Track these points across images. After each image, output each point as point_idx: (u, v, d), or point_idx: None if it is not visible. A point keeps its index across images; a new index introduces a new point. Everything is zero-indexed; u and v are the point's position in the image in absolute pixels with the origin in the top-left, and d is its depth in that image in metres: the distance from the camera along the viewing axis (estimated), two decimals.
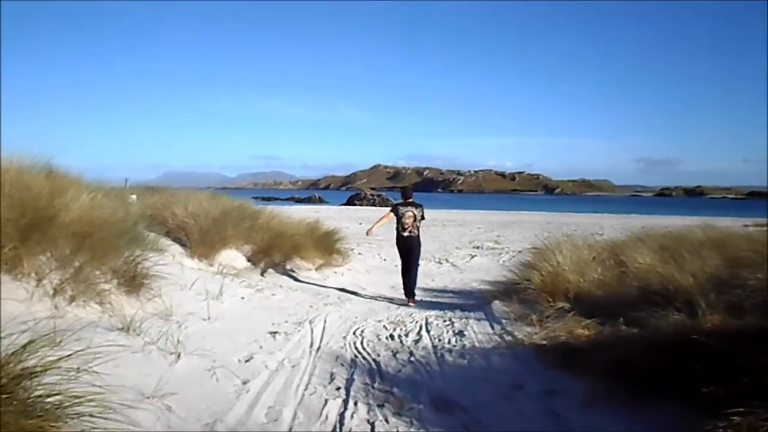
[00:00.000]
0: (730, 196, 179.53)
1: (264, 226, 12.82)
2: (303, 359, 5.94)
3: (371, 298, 10.82)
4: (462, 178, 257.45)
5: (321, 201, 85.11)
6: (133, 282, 6.45)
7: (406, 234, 10.15)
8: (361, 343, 6.79)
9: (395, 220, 10.17)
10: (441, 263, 17.63)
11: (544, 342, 6.52)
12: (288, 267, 12.44)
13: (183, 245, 10.79)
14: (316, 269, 13.00)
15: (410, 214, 10.07)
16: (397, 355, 6.31)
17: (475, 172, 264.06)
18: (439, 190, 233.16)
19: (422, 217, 10.24)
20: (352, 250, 18.62)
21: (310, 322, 7.66)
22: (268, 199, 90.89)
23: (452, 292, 12.41)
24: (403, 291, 10.32)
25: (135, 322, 5.57)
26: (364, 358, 6.17)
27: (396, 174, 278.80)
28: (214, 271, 9.77)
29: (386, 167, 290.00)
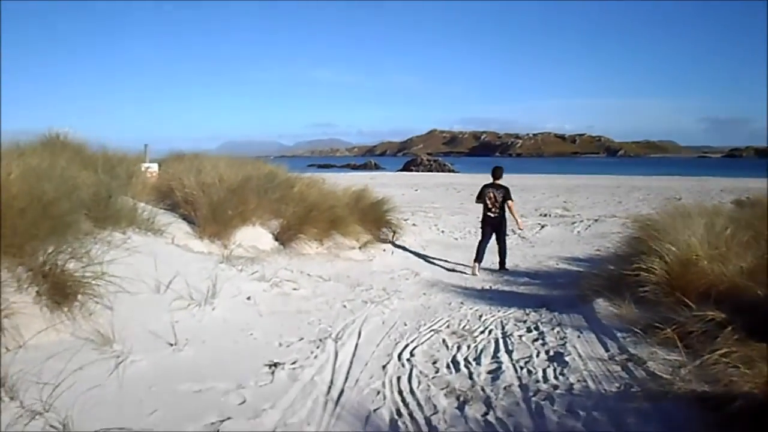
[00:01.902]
0: None
1: (297, 197, 10.46)
2: (310, 426, 3.54)
3: (427, 286, 8.36)
4: (520, 141, 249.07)
5: (377, 167, 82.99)
6: (59, 290, 4.15)
7: (491, 214, 10.29)
8: (409, 379, 4.32)
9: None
10: (507, 235, 14.97)
11: (708, 389, 3.93)
12: (325, 246, 10.07)
13: (192, 223, 8.55)
14: (360, 247, 10.58)
15: (491, 195, 10.23)
16: (466, 409, 3.84)
17: (534, 135, 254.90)
18: (497, 154, 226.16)
19: (505, 198, 10.18)
20: (406, 221, 16.15)
21: (337, 338, 5.22)
22: (325, 166, 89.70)
23: (527, 274, 9.83)
24: (474, 258, 10.05)
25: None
26: (411, 416, 3.72)
27: (453, 139, 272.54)
28: (225, 255, 7.42)
29: (442, 132, 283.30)
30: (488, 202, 10.26)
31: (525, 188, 32.28)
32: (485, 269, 10.20)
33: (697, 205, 8.77)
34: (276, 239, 9.51)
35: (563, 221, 17.53)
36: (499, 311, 6.71)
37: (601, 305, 6.26)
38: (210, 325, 4.99)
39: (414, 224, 15.83)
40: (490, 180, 10.51)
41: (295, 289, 6.79)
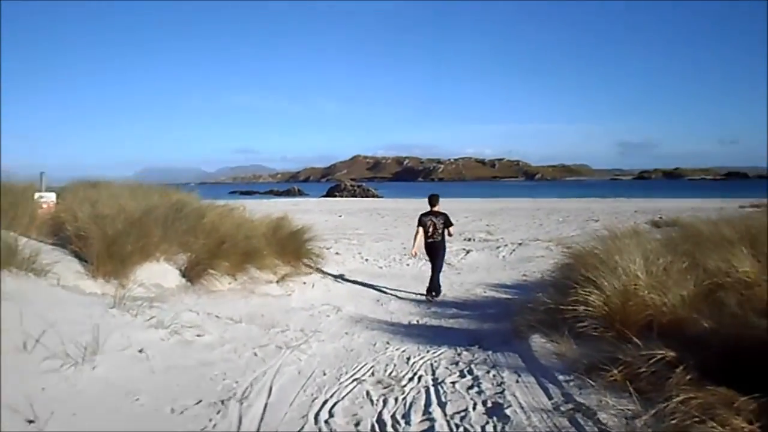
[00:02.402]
0: (708, 177, 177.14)
1: (208, 228, 9.55)
2: None
3: (350, 323, 7.65)
4: (442, 166, 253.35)
5: (301, 193, 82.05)
6: None
7: (429, 240, 10.41)
8: None
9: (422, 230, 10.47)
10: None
11: None
12: (239, 281, 9.20)
13: (85, 261, 7.53)
14: (278, 281, 9.75)
15: (431, 222, 10.41)
16: None
17: (455, 160, 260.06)
18: (420, 179, 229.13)
19: (446, 224, 10.47)
20: (328, 249, 15.41)
21: (243, 398, 4.38)
22: (247, 193, 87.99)
23: (455, 305, 9.30)
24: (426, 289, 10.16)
25: None
26: None
27: (376, 164, 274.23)
28: (118, 298, 6.42)
29: (366, 157, 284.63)
30: (429, 229, 10.39)
31: (448, 212, 32.14)
32: (411, 300, 9.63)
33: (626, 230, 8.53)
34: (183, 275, 8.57)
35: (488, 245, 17.24)
36: (428, 351, 6.07)
37: (538, 342, 5.73)
38: (87, 390, 4.08)
39: (337, 253, 15.12)
40: (429, 211, 10.59)
41: (198, 335, 5.91)
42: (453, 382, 4.98)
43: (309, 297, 9.27)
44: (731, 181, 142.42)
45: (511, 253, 15.85)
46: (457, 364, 5.55)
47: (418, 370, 5.39)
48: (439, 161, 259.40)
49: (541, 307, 6.10)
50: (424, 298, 9.89)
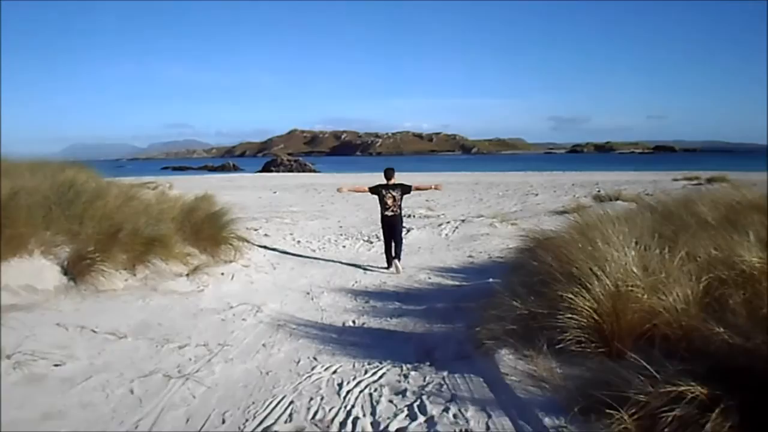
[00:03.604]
0: (637, 150, 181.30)
1: (101, 213, 7.84)
2: None
3: (270, 329, 6.15)
4: (380, 140, 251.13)
5: (236, 168, 79.29)
6: None
7: (389, 213, 10.18)
8: None
9: (378, 200, 10.34)
10: (371, 242, 13.13)
11: None
12: (139, 276, 7.54)
13: None
14: (188, 274, 8.14)
15: (390, 195, 10.17)
16: None
17: (393, 134, 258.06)
18: (358, 153, 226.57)
19: (404, 192, 10.36)
20: (257, 231, 13.83)
21: None
22: (180, 169, 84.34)
23: (396, 296, 7.97)
24: (386, 260, 10.20)
25: None
26: None
27: (313, 138, 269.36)
28: None
29: (303, 132, 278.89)
30: (388, 202, 10.15)
31: None
32: (347, 291, 8.23)
33: (601, 211, 7.30)
34: (66, 273, 6.88)
35: (428, 223, 15.97)
36: (366, 372, 4.67)
37: (507, 360, 4.40)
38: None
39: (266, 234, 13.54)
40: (386, 184, 10.31)
41: (57, 364, 4.33)
42: (401, 418, 3.61)
43: (225, 292, 7.71)
44: (659, 154, 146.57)
45: (454, 230, 14.61)
46: (404, 394, 4.16)
47: (353, 405, 3.99)
48: (377, 135, 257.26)
49: (509, 313, 4.75)
50: (385, 272, 9.78)
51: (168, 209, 9.79)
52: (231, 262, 9.40)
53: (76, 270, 6.87)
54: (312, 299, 7.85)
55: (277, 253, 11.38)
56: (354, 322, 6.64)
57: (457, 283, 8.94)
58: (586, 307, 4.23)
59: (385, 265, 10.11)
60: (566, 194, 25.21)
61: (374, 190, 10.35)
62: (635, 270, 4.34)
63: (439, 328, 6.09)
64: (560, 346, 4.17)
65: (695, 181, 26.74)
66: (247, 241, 10.82)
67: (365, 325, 6.48)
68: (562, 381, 3.83)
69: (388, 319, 6.69)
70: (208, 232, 9.50)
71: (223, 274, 8.70)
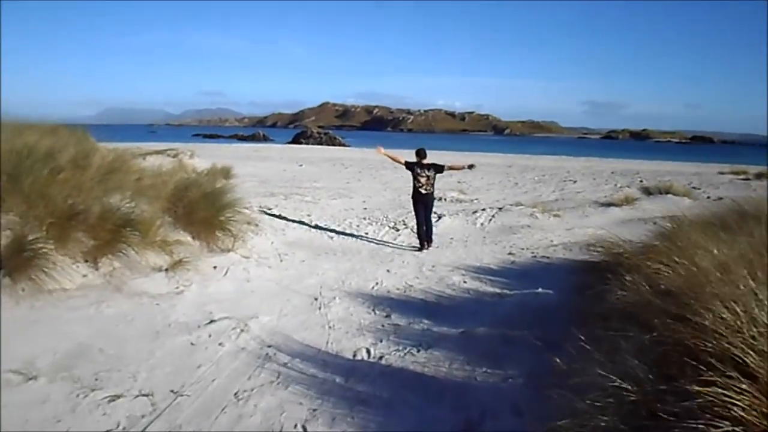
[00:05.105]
0: (674, 140, 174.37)
1: (68, 187, 6.21)
2: None
3: (252, 360, 4.49)
4: (412, 117, 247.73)
5: (266, 139, 77.89)
6: None
7: (423, 191, 9.96)
8: None
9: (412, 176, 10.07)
10: (397, 228, 11.43)
11: None
12: (103, 270, 5.92)
13: None
14: (168, 268, 6.48)
15: (425, 175, 9.94)
16: None
17: (425, 111, 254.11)
18: (389, 128, 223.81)
19: (437, 171, 10.04)
20: (270, 210, 12.20)
21: None
22: (211, 137, 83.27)
23: (425, 309, 6.25)
24: (418, 240, 9.95)
25: None
26: None
27: (345, 112, 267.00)
28: None
29: (335, 105, 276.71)
30: (422, 180, 9.98)
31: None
32: (365, 297, 6.53)
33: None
34: (1, 267, 5.27)
35: (462, 209, 14.17)
36: None
37: None
38: None
39: (281, 215, 11.89)
40: (419, 162, 10.04)
41: None
42: None
43: (210, 295, 6.05)
44: (696, 144, 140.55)
45: (490, 220, 12.79)
46: None
47: None
48: (408, 112, 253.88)
49: (610, 399, 2.95)
50: (415, 252, 9.54)
51: (160, 184, 8.17)
52: (229, 251, 7.78)
53: (14, 263, 5.25)
54: (319, 308, 6.18)
55: (288, 239, 9.73)
56: (368, 352, 4.93)
57: (497, 290, 7.22)
58: (749, 402, 2.45)
59: (417, 245, 9.85)
60: (606, 183, 23.16)
61: (409, 165, 10.10)
62: None
63: (485, 376, 4.34)
64: None
65: (743, 176, 24.49)
66: (254, 225, 9.18)
67: (383, 360, 4.75)
68: None
69: (414, 351, 4.95)
70: (204, 214, 7.86)
71: (215, 267, 7.08)
